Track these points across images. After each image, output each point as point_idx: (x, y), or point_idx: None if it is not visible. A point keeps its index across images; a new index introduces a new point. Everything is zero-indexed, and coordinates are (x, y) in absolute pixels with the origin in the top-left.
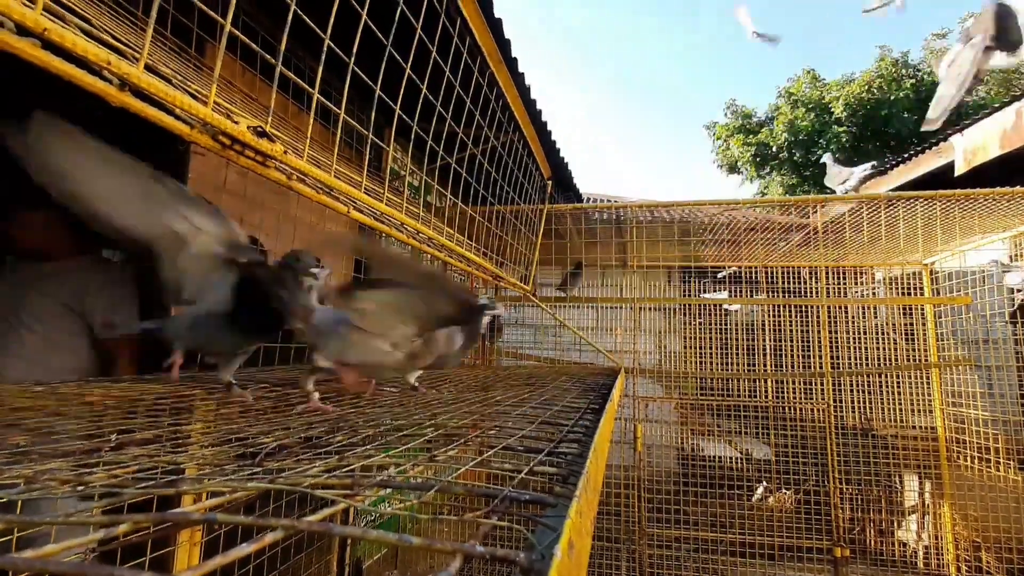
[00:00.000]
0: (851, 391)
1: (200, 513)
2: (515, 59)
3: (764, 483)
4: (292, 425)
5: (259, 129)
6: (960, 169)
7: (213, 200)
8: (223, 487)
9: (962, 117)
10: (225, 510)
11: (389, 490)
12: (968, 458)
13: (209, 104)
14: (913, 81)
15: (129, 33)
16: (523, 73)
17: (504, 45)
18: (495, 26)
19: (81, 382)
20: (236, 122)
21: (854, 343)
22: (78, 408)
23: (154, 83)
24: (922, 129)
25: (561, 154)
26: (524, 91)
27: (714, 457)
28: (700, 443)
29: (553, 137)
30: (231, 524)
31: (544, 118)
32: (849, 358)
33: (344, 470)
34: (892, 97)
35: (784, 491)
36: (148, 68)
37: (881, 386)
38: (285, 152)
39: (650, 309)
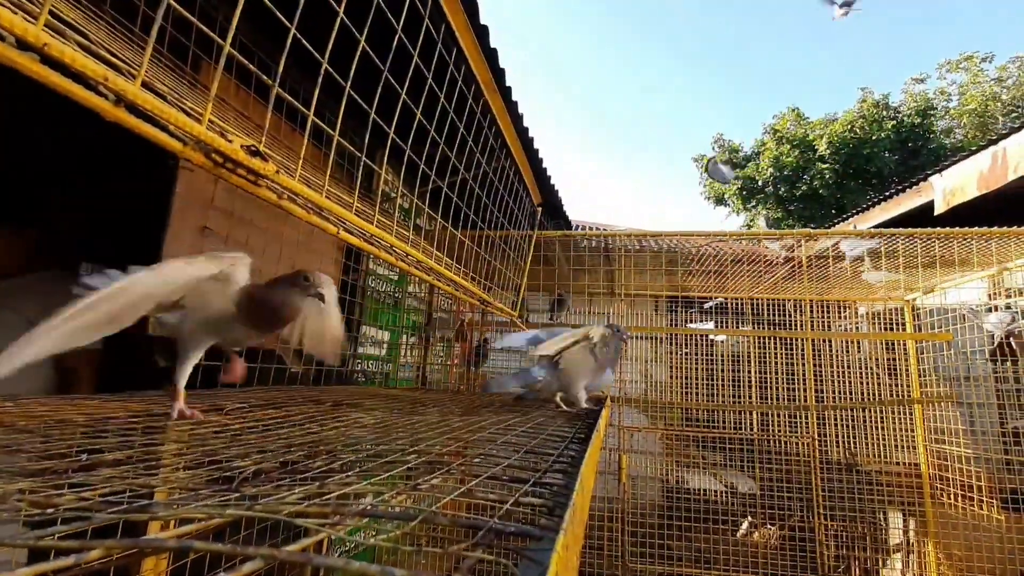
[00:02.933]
0: (835, 425)
1: (174, 540)
2: (509, 88)
3: (749, 518)
4: (270, 448)
5: (252, 148)
6: (940, 208)
7: (200, 216)
8: (198, 513)
9: (940, 159)
10: (198, 537)
11: (368, 519)
12: (952, 496)
13: (203, 122)
14: (894, 123)
15: (126, 49)
16: (516, 102)
17: (498, 74)
18: (490, 56)
19: (50, 397)
20: (230, 140)
21: (838, 377)
22: (46, 425)
23: (149, 99)
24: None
25: (552, 181)
26: (516, 119)
27: (699, 490)
28: (685, 475)
29: (544, 164)
30: (201, 552)
31: (536, 145)
32: (833, 392)
33: (324, 498)
34: (874, 136)
35: (769, 526)
36: (144, 85)
37: (865, 421)
38: (277, 172)
39: (637, 338)
